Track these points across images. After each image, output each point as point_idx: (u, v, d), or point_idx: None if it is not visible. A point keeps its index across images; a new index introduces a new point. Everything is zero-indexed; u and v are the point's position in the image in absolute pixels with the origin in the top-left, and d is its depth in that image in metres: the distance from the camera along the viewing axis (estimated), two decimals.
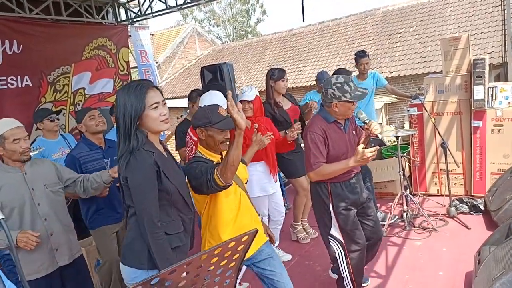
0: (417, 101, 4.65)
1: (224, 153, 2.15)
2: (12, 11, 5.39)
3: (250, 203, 2.38)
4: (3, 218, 0.94)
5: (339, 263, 2.72)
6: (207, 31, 26.42)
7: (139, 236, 1.73)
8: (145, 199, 1.68)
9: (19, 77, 5.58)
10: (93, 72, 6.69)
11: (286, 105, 3.93)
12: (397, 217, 4.22)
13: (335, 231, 2.70)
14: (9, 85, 5.48)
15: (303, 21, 5.80)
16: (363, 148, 2.40)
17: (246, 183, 2.39)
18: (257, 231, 1.24)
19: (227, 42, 28.18)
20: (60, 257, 2.46)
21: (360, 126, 2.84)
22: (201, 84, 4.54)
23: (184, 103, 14.33)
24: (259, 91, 3.58)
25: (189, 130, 3.01)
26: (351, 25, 14.32)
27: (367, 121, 2.62)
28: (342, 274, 2.73)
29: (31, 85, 5.76)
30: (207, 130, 2.12)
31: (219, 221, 2.20)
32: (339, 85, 2.50)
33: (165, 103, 1.79)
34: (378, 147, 2.50)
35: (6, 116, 5.46)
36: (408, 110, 4.60)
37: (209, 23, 30.02)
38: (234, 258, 1.20)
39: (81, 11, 6.37)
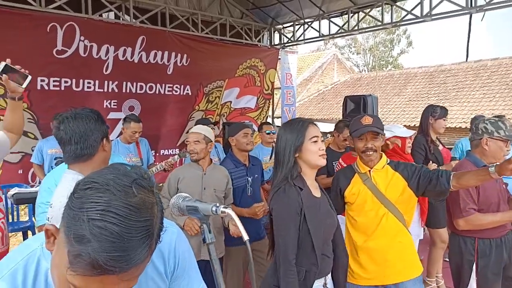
0: None
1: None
2: (187, 29, 6.22)
3: (399, 228, 2.14)
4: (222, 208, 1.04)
5: None
6: (346, 57, 26.38)
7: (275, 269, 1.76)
8: (283, 234, 1.70)
9: (182, 86, 6.39)
10: (241, 88, 7.27)
11: (439, 146, 3.66)
12: None
13: None
14: (173, 92, 6.31)
15: (466, 60, 5.37)
16: None
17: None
18: None
19: (365, 70, 27.65)
20: (206, 252, 2.70)
21: None
22: (337, 110, 4.53)
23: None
24: None
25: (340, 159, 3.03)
26: None
27: None
28: None
29: (190, 94, 6.54)
30: (352, 139, 2.25)
31: (352, 236, 2.20)
32: (493, 120, 2.35)
33: (323, 140, 1.84)
34: None
35: (165, 117, 6.37)
36: None
37: (349, 50, 29.94)
38: None
39: (242, 33, 7.00)
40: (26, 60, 4.71)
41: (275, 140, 4.83)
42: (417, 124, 13.14)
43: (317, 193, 1.84)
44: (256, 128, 6.01)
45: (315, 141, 1.76)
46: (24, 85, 2.11)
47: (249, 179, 3.17)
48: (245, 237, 0.97)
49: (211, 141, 2.84)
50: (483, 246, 2.34)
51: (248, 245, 0.97)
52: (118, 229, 0.69)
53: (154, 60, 5.88)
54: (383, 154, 2.25)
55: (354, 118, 2.27)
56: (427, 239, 5.25)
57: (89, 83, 5.38)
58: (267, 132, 4.76)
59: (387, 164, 2.20)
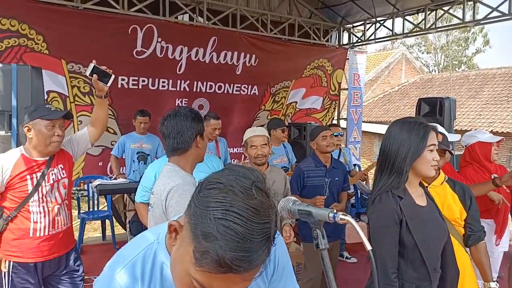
0: None
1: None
2: (257, 30, 6.28)
3: (457, 247, 1.98)
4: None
5: None
6: (415, 57, 25.08)
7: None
8: (380, 244, 1.61)
9: (250, 86, 6.48)
10: (308, 89, 7.20)
11: None
12: None
13: None
14: (241, 91, 6.42)
15: None
16: None
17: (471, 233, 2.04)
18: None
19: (435, 71, 26.13)
20: None
21: None
22: (405, 112, 4.32)
23: (379, 129, 13.89)
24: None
25: None
26: None
27: None
28: None
29: (257, 94, 6.61)
30: None
31: None
32: None
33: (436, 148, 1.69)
34: None
35: (233, 116, 6.49)
36: None
37: (418, 49, 28.46)
38: None
39: (310, 32, 6.92)
40: (109, 60, 5.05)
41: (341, 142, 4.71)
42: (495, 130, 12.23)
43: (421, 201, 1.71)
44: None
45: (432, 150, 1.64)
46: (109, 84, 2.29)
47: (327, 180, 3.20)
48: (368, 247, 0.94)
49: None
50: None
51: (371, 255, 0.97)
52: (242, 229, 0.72)
53: (224, 60, 6.03)
54: (441, 171, 2.12)
55: None
56: (509, 255, 4.84)
57: (163, 82, 5.65)
58: (334, 134, 4.68)
59: (446, 181, 2.07)
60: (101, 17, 4.92)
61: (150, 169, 2.45)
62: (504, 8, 5.14)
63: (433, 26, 6.09)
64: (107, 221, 5.20)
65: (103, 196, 5.18)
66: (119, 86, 5.21)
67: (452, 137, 2.98)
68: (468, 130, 6.14)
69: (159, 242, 0.95)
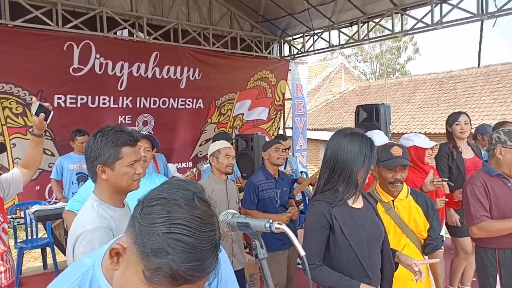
0: None
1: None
2: (199, 44, 6.30)
3: (418, 256, 2.15)
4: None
5: None
6: (353, 66, 26.40)
7: None
8: (308, 242, 1.74)
9: (195, 99, 6.46)
10: (253, 100, 7.32)
11: (467, 154, 3.60)
12: None
13: None
14: (186, 105, 6.38)
15: (478, 66, 5.35)
16: None
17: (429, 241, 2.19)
18: None
19: (372, 78, 27.63)
20: (237, 263, 2.93)
21: None
22: (347, 120, 4.58)
23: (324, 135, 14.37)
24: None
25: None
26: None
27: None
28: None
29: (202, 107, 6.60)
30: (378, 168, 2.14)
31: None
32: (506, 130, 2.35)
33: None
34: None
35: (178, 131, 6.42)
36: None
37: (355, 58, 30.00)
38: None
39: (252, 45, 7.07)
40: (44, 79, 4.84)
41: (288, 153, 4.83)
42: (427, 131, 12.98)
43: (358, 204, 1.80)
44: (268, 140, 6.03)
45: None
46: (48, 121, 2.16)
47: (278, 191, 3.36)
48: (302, 252, 0.98)
49: None
50: (504, 257, 2.32)
51: (305, 261, 1.02)
52: (191, 240, 0.73)
53: (167, 75, 5.96)
54: (404, 183, 2.24)
55: (382, 147, 2.21)
56: (448, 248, 5.19)
57: (104, 99, 5.46)
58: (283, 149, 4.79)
59: (410, 194, 2.21)
60: (33, 34, 4.69)
61: (85, 194, 2.18)
62: (428, 20, 5.60)
63: (366, 37, 6.46)
64: (48, 249, 4.88)
65: (41, 222, 4.86)
66: (56, 105, 4.96)
67: (427, 144, 3.20)
68: (404, 133, 6.54)
69: (95, 268, 0.91)
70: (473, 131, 4.44)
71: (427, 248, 2.14)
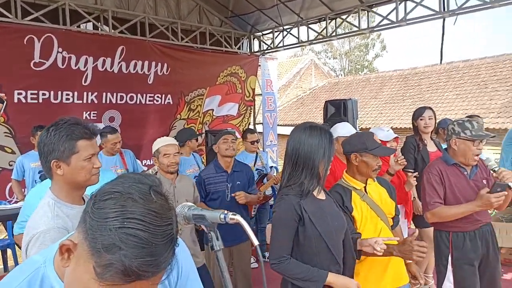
0: None
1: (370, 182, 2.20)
2: (167, 39, 6.19)
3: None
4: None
5: None
6: (323, 62, 26.77)
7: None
8: (277, 234, 1.75)
9: (163, 95, 6.35)
10: (223, 96, 7.28)
11: (431, 147, 3.74)
12: None
13: (448, 284, 2.57)
14: (155, 101, 6.27)
15: (441, 62, 5.55)
16: (487, 192, 2.28)
17: (393, 219, 2.28)
18: None
19: (342, 75, 28.12)
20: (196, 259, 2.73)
21: None
22: (317, 115, 4.67)
23: None
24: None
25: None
26: (485, 67, 13.13)
27: (496, 169, 2.44)
28: None
29: (171, 103, 6.51)
30: (361, 155, 2.13)
31: None
32: (461, 121, 2.49)
33: None
34: (506, 193, 2.28)
35: (147, 127, 6.31)
36: None
37: (325, 55, 30.42)
38: None
39: (222, 41, 7.02)
40: (3, 73, 4.62)
41: (258, 147, 4.86)
42: (394, 126, 13.35)
43: (321, 196, 1.86)
44: (238, 135, 6.04)
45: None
46: (1, 112, 2.05)
47: (229, 185, 3.28)
48: (255, 242, 0.98)
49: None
50: (456, 239, 2.50)
51: (258, 251, 0.99)
52: (146, 234, 0.71)
53: (134, 70, 5.83)
54: None
55: (363, 134, 2.28)
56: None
57: (67, 94, 5.28)
58: (251, 142, 4.81)
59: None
60: None
61: (31, 197, 2.09)
62: (393, 17, 5.75)
63: (334, 34, 6.56)
64: (9, 251, 4.68)
65: (2, 223, 4.66)
66: (16, 101, 4.74)
67: (387, 137, 3.29)
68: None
69: (46, 265, 0.88)
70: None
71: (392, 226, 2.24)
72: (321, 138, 1.74)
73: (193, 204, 1.07)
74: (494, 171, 2.47)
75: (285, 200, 1.75)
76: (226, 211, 1.02)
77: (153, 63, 6.00)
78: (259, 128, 8.78)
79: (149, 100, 6.20)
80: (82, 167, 1.46)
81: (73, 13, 5.15)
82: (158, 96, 6.29)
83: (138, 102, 6.03)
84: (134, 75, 5.83)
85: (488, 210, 2.60)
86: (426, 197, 2.53)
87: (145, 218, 0.72)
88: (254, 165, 4.78)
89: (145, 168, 4.76)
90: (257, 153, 4.89)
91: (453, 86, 13.25)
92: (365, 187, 2.20)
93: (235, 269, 3.37)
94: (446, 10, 5.20)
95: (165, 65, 6.15)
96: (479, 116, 4.51)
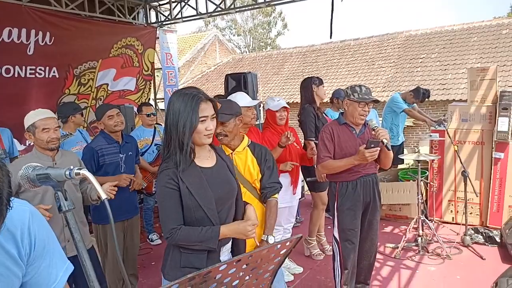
0: (441, 127, 4.65)
1: None
2: (49, 4, 5.54)
3: (255, 203, 2.28)
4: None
5: (334, 262, 2.97)
6: (227, 39, 26.71)
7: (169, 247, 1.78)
8: (162, 207, 1.69)
9: (47, 68, 5.72)
10: (118, 70, 6.83)
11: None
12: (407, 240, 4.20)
13: (335, 231, 2.95)
14: (37, 74, 5.62)
15: (330, 38, 5.88)
16: (364, 148, 2.63)
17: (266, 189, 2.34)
18: (301, 237, 1.24)
19: (246, 52, 28.42)
20: (72, 248, 2.40)
21: None
22: (221, 91, 4.67)
23: None
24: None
25: None
26: (372, 46, 14.38)
27: (375, 128, 2.78)
28: (335, 274, 2.96)
29: (57, 76, 5.90)
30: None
31: None
32: (353, 86, 2.83)
33: (214, 117, 1.71)
34: (378, 149, 2.67)
35: (30, 104, 5.68)
36: (430, 135, 4.60)
37: (230, 31, 30.37)
38: (275, 261, 1.22)
39: (114, 9, 6.52)
40: None
41: (157, 121, 4.68)
42: (295, 101, 13.99)
43: (209, 163, 1.77)
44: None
45: (204, 121, 1.65)
46: None
47: (122, 156, 3.20)
48: (103, 195, 0.93)
49: None
50: (341, 188, 2.89)
51: (107, 204, 0.94)
52: None
53: (9, 38, 5.12)
54: (245, 136, 2.40)
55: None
56: (306, 203, 5.75)
57: None
58: (147, 114, 4.62)
59: (248, 146, 2.35)
60: None
61: None
62: None
63: (232, 6, 6.53)
64: None
65: None
66: None
67: (276, 107, 3.42)
68: None
69: None
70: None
71: (262, 196, 2.31)
72: (185, 105, 1.62)
73: (38, 165, 0.97)
74: (374, 129, 2.78)
75: (163, 174, 1.68)
76: (71, 167, 0.94)
77: (33, 32, 5.33)
78: (161, 105, 8.49)
79: (30, 74, 5.52)
80: None
81: None
82: (40, 69, 5.64)
83: (16, 75, 5.33)
84: (9, 45, 5.12)
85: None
86: (319, 152, 2.92)
87: None
88: (153, 140, 4.62)
89: (22, 148, 4.30)
90: (155, 127, 4.72)
91: (345, 63, 14.28)
92: (232, 154, 2.28)
93: (125, 243, 3.29)
94: None
95: (48, 34, 5.51)
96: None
